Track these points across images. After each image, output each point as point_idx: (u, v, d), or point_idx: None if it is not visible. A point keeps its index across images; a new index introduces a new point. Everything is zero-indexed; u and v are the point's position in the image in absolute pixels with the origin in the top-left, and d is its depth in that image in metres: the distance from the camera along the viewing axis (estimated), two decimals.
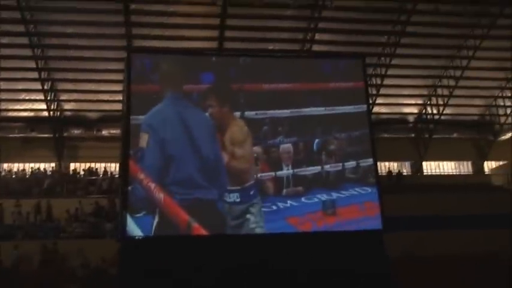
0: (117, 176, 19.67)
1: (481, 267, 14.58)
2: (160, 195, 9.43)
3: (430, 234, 16.71)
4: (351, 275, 9.74)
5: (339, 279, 9.75)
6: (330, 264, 9.76)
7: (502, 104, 25.33)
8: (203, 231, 9.54)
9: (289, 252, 9.75)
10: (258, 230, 9.83)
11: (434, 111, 24.50)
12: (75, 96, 22.49)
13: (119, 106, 16.28)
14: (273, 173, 10.38)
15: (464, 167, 26.67)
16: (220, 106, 9.98)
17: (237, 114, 10.29)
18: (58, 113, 22.33)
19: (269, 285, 9.59)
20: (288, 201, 10.26)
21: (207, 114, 9.97)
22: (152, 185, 9.50)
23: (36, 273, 14.29)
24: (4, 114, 22.37)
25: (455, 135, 26.02)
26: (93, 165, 21.86)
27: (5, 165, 22.12)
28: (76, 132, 23.26)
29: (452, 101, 24.06)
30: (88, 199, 17.94)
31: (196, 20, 19.96)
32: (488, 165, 26.73)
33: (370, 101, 16.47)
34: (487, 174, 26.08)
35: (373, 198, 10.83)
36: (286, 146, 10.59)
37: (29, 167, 21.63)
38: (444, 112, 24.41)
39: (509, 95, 24.95)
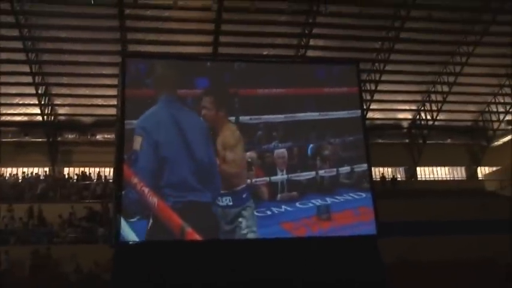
0: (111, 180, 19.55)
1: (475, 272, 14.59)
2: (154, 200, 9.42)
3: (424, 240, 16.69)
4: (345, 280, 9.74)
5: (333, 285, 9.74)
6: (324, 269, 9.77)
7: (495, 110, 25.40)
8: (197, 236, 9.53)
9: (284, 257, 9.74)
10: (251, 235, 9.82)
11: (428, 117, 24.56)
12: (69, 100, 22.36)
13: (113, 111, 16.21)
14: (267, 178, 10.40)
15: (458, 173, 26.71)
16: (217, 110, 10.01)
17: (232, 119, 10.30)
18: (52, 118, 22.19)
19: None
20: (283, 206, 10.28)
21: (201, 117, 9.98)
22: (146, 189, 9.49)
23: (29, 279, 14.16)
24: None
25: (449, 140, 26.07)
26: (86, 169, 21.77)
27: None
28: (70, 136, 23.10)
29: (445, 107, 24.17)
30: (81, 204, 17.78)
31: (191, 25, 19.95)
32: (482, 171, 26.82)
33: (364, 107, 16.48)
34: (480, 180, 26.12)
35: (367, 204, 10.88)
36: (281, 151, 10.61)
37: (21, 171, 21.45)
38: (438, 118, 24.48)
39: (502, 101, 25.04)
